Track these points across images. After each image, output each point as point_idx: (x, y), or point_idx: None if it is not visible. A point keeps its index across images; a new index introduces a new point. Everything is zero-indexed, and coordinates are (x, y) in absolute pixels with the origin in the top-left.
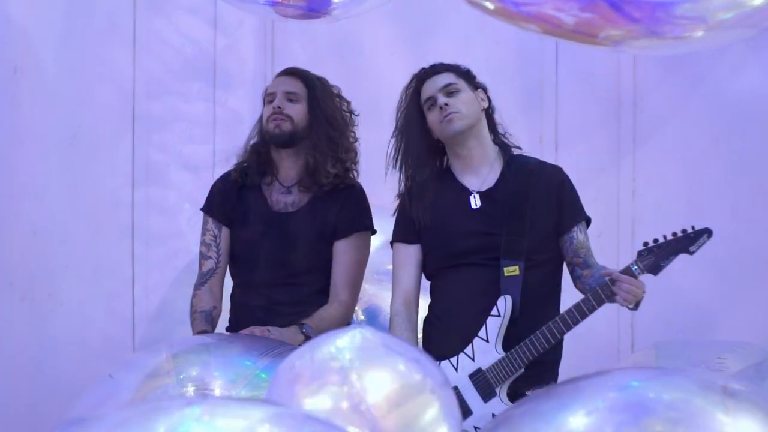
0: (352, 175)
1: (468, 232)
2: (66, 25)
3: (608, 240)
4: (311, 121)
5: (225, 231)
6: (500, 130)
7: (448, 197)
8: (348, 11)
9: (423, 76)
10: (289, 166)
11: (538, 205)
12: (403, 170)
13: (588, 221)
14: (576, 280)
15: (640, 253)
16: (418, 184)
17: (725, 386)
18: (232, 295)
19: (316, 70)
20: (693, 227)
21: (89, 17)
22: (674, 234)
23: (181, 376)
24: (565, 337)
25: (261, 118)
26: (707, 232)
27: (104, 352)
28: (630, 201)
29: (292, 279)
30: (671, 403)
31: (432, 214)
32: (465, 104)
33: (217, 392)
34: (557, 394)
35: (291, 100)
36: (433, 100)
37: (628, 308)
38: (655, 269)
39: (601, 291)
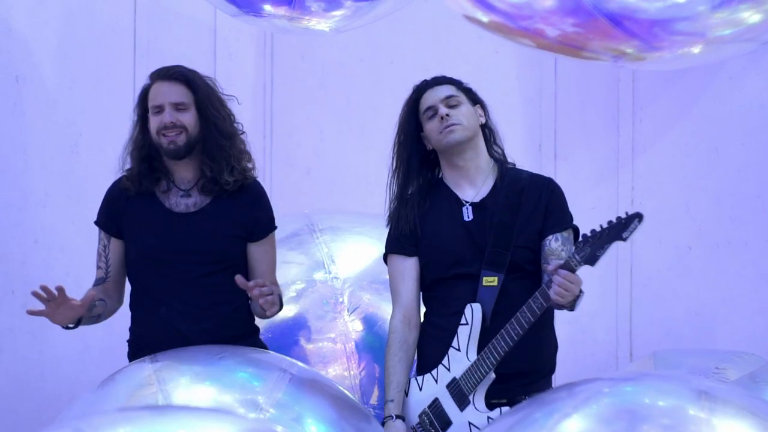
0: (251, 174)
1: (460, 243)
2: (66, 33)
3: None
4: (202, 126)
5: (115, 242)
6: (498, 144)
7: (442, 208)
8: (351, 23)
9: (424, 86)
10: (184, 170)
11: (528, 218)
12: (397, 181)
13: (576, 231)
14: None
15: (576, 245)
16: (410, 194)
17: (714, 391)
18: (134, 311)
19: (314, 78)
20: (626, 213)
21: (90, 26)
22: (609, 222)
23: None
24: (563, 344)
25: (139, 124)
26: (638, 217)
27: (105, 361)
28: (629, 210)
29: (206, 279)
30: (665, 409)
31: (425, 225)
32: (465, 117)
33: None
34: (552, 401)
35: (180, 110)
36: (434, 110)
37: (563, 307)
38: (591, 260)
39: (546, 287)
